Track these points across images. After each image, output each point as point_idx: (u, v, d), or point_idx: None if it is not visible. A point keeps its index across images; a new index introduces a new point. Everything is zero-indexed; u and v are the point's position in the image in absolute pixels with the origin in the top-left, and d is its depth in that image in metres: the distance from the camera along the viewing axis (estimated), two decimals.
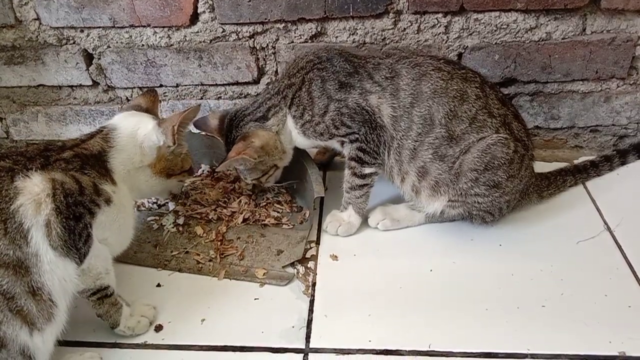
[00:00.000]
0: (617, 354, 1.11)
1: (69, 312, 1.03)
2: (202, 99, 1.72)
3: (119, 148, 1.17)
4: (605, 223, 1.44)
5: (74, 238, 1.00)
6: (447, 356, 1.12)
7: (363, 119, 1.34)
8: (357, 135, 1.35)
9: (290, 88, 1.39)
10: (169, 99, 1.73)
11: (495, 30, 1.55)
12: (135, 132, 1.20)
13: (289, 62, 1.48)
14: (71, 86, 1.73)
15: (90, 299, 1.11)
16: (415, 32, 1.57)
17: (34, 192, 0.97)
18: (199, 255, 1.38)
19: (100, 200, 1.07)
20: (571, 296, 1.23)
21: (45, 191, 0.98)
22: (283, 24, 1.57)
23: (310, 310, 1.23)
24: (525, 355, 1.11)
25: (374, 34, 1.57)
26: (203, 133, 1.52)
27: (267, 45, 1.61)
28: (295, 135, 1.43)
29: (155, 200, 1.56)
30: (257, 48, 1.62)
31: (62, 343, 1.04)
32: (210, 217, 1.49)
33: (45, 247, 0.96)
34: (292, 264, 1.35)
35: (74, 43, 1.63)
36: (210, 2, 1.54)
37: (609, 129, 1.72)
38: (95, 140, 1.16)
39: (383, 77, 1.34)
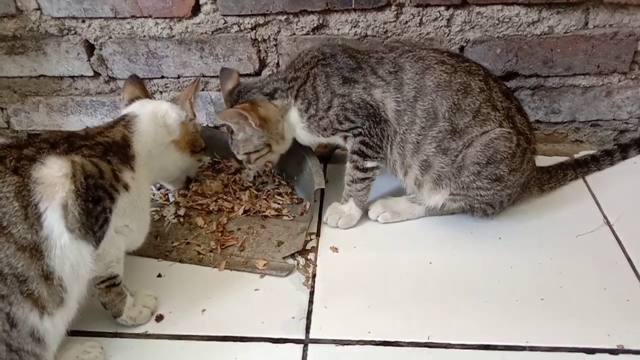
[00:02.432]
0: (616, 347, 1.11)
1: (83, 300, 1.04)
2: (203, 90, 1.72)
3: (142, 131, 1.22)
4: (605, 217, 1.44)
5: (91, 221, 1.01)
6: (446, 348, 1.12)
7: (367, 113, 1.34)
8: (360, 130, 1.35)
9: (296, 81, 1.39)
10: (170, 90, 1.73)
11: (497, 24, 1.55)
12: (155, 115, 1.26)
13: (293, 57, 1.48)
14: (72, 77, 1.72)
15: (98, 286, 1.12)
16: (418, 25, 1.56)
17: (48, 175, 0.97)
18: (199, 246, 1.38)
19: (119, 185, 1.08)
20: (570, 289, 1.24)
21: (62, 171, 0.98)
22: (285, 16, 1.56)
23: (310, 302, 1.24)
24: (524, 348, 1.12)
25: (376, 26, 1.57)
26: (204, 125, 1.52)
27: (269, 37, 1.61)
28: (299, 130, 1.43)
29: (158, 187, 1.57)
30: (259, 40, 1.61)
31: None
32: (211, 208, 1.49)
33: (60, 229, 0.96)
34: (293, 256, 1.35)
35: (75, 33, 1.63)
36: None
37: (609, 124, 1.72)
38: (118, 128, 1.19)
39: (387, 71, 1.34)
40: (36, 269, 0.94)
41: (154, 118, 1.26)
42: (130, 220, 1.12)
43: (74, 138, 1.09)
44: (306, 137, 1.45)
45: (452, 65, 1.32)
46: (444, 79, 1.30)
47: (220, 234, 1.41)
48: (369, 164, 1.39)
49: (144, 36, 1.62)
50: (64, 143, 1.05)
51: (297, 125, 1.42)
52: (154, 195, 1.55)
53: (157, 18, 1.58)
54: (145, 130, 1.22)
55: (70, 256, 0.98)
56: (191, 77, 1.69)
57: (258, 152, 1.45)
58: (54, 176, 0.98)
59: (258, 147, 1.43)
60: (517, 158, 1.31)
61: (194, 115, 1.37)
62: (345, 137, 1.40)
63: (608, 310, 1.19)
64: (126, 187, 1.10)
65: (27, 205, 0.95)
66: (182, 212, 1.48)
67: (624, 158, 1.62)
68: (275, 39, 1.61)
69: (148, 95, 1.37)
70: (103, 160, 1.07)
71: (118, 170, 1.10)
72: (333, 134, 1.40)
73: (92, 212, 1.01)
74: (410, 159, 1.36)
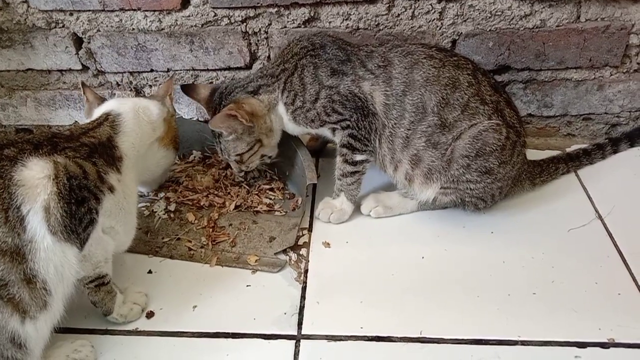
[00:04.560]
0: (607, 340, 1.12)
1: (67, 301, 1.02)
2: (193, 84, 1.70)
3: (128, 131, 1.20)
4: (597, 211, 1.44)
5: (75, 223, 0.99)
6: (438, 343, 1.12)
7: (355, 105, 1.33)
8: (348, 122, 1.34)
9: (283, 73, 1.38)
10: (159, 84, 1.72)
11: (489, 17, 1.54)
12: (138, 111, 1.24)
13: (282, 47, 1.47)
14: (60, 70, 1.70)
15: (87, 286, 1.10)
16: (410, 18, 1.55)
17: (30, 177, 0.95)
18: (190, 241, 1.37)
19: (104, 187, 1.06)
20: (562, 283, 1.24)
21: (44, 172, 0.96)
22: (276, 9, 1.55)
23: (302, 297, 1.23)
24: (516, 342, 1.12)
25: (368, 19, 1.56)
26: (194, 119, 1.50)
27: (260, 30, 1.59)
28: (286, 121, 1.42)
29: None
30: (250, 33, 1.60)
31: (53, 330, 1.03)
32: (202, 203, 1.48)
33: (42, 232, 0.94)
34: (284, 251, 1.34)
35: (63, 27, 1.60)
36: None
37: (601, 117, 1.73)
38: (104, 128, 1.17)
39: (376, 65, 1.33)
40: (17, 272, 0.92)
41: (137, 115, 1.23)
42: (115, 222, 1.10)
43: (57, 139, 1.06)
44: (294, 128, 1.44)
45: (440, 60, 1.32)
46: (432, 73, 1.30)
47: (211, 230, 1.40)
48: (358, 157, 1.38)
49: (133, 29, 1.60)
50: (47, 144, 1.03)
51: (284, 117, 1.42)
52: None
53: (146, 11, 1.56)
54: (132, 130, 1.20)
55: (55, 258, 0.96)
56: (181, 70, 1.67)
57: (251, 150, 1.43)
58: (35, 178, 0.95)
59: (250, 144, 1.41)
60: (507, 151, 1.31)
61: (174, 110, 1.39)
62: (333, 130, 1.39)
63: (599, 304, 1.19)
64: (111, 189, 1.08)
65: (7, 209, 0.93)
66: (172, 207, 1.47)
67: (615, 152, 1.62)
68: (266, 32, 1.60)
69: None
70: (88, 162, 1.05)
71: (104, 172, 1.08)
72: (321, 126, 1.39)
73: (76, 213, 0.99)
74: (400, 154, 1.35)
